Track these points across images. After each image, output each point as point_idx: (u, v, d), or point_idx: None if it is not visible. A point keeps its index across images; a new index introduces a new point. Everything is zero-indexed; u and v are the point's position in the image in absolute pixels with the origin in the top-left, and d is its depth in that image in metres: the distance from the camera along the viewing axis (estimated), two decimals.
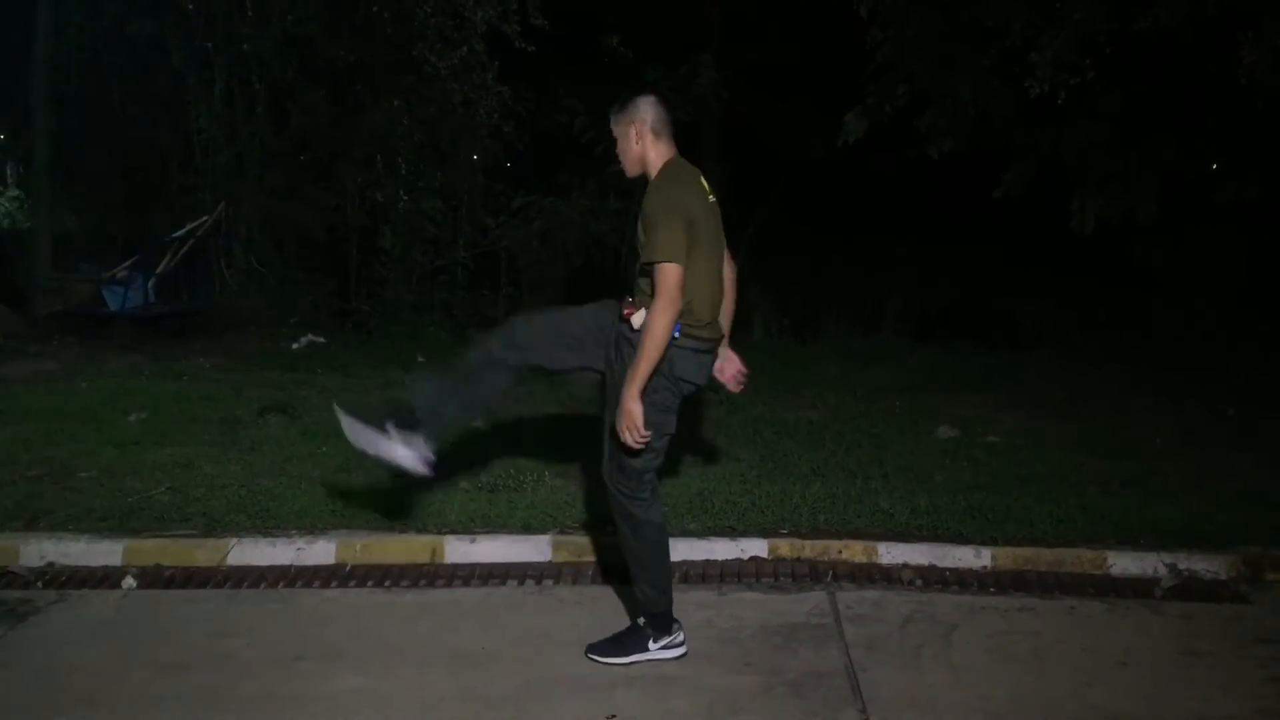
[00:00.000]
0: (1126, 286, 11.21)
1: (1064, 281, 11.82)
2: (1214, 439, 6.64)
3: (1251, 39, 8.36)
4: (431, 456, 4.02)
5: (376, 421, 4.00)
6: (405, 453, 3.98)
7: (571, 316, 4.02)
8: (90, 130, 12.54)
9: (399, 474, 4.13)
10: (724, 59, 12.50)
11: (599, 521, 4.92)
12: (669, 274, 3.54)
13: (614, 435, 3.71)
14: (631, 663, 3.85)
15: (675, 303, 3.56)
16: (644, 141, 3.76)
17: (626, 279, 3.91)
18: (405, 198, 11.28)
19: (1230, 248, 10.72)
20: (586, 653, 3.90)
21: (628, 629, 3.96)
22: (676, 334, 3.64)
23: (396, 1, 11.26)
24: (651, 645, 3.87)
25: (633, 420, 3.57)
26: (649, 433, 3.61)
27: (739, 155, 14.72)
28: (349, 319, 11.30)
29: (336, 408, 4.10)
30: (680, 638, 3.91)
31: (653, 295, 3.58)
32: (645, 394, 3.61)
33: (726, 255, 3.96)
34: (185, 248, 11.01)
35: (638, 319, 3.67)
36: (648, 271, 3.62)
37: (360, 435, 4.01)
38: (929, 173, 12.05)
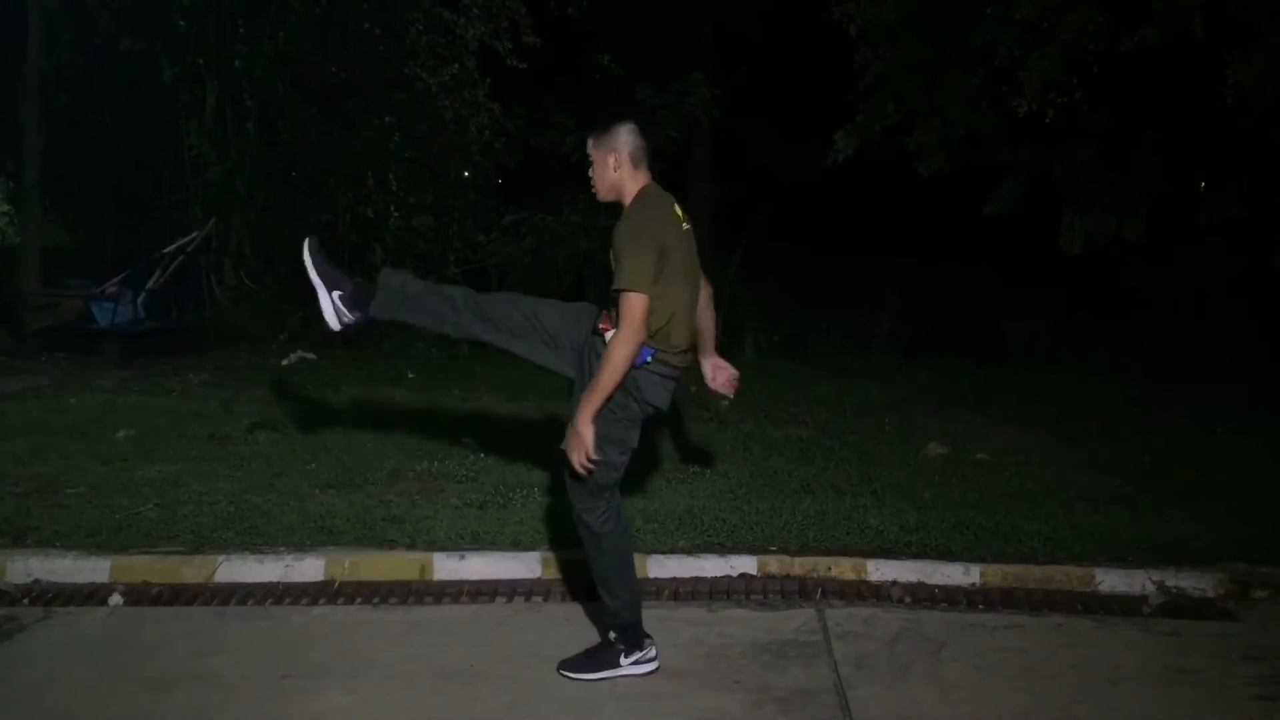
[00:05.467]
0: (1115, 304, 11.26)
1: (1053, 299, 11.86)
2: (1202, 457, 6.66)
3: (1238, 59, 8.44)
4: (351, 327, 4.13)
5: (329, 283, 4.06)
6: (333, 317, 4.08)
7: (550, 310, 4.00)
8: (81, 146, 12.55)
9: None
10: (715, 77, 12.56)
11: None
12: (634, 303, 3.54)
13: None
14: (602, 678, 3.84)
15: (639, 332, 3.56)
16: (622, 170, 3.78)
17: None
18: (396, 214, 11.29)
19: (1217, 266, 10.78)
20: (559, 668, 3.90)
21: (599, 645, 3.96)
22: (649, 358, 3.65)
23: (388, 19, 11.30)
24: (623, 660, 3.87)
25: (583, 443, 3.58)
26: (598, 457, 3.61)
27: (730, 173, 14.77)
28: (339, 335, 11.27)
29: (306, 245, 4.13)
30: (652, 653, 3.91)
31: (616, 323, 3.59)
32: (604, 413, 3.63)
33: (702, 276, 3.99)
34: (175, 264, 11.01)
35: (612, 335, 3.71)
36: (614, 298, 3.63)
37: (313, 277, 4.08)
38: (918, 191, 12.10)
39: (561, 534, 5.08)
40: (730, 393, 4.21)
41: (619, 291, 3.58)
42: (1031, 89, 9.25)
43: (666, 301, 3.63)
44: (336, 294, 4.05)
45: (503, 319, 3.97)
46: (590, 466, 3.60)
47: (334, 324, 4.10)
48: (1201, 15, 8.32)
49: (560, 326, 3.93)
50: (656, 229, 3.67)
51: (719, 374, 4.16)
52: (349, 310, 4.06)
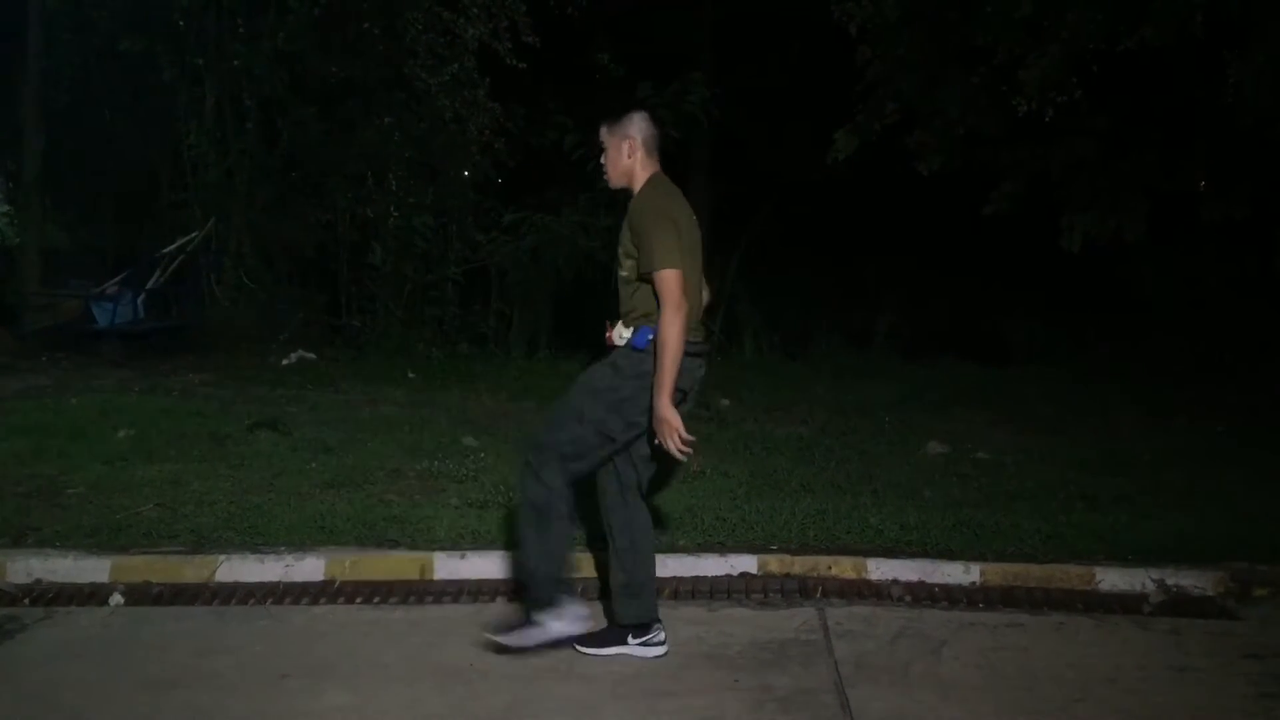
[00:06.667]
0: (1115, 303, 11.26)
1: (1053, 298, 11.88)
2: (1202, 456, 6.66)
3: (1238, 58, 8.44)
4: (583, 610, 4.02)
5: (523, 620, 3.98)
6: (560, 626, 3.94)
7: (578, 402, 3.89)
8: (80, 146, 12.54)
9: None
10: (715, 76, 12.56)
11: (589, 537, 4.91)
12: (670, 279, 3.66)
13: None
14: (613, 654, 3.95)
15: (682, 306, 3.66)
16: (635, 157, 3.90)
17: (614, 294, 3.97)
18: (396, 214, 11.28)
19: (1217, 265, 10.78)
20: (574, 644, 3.99)
21: (609, 624, 4.08)
22: (651, 336, 3.72)
23: (388, 18, 11.30)
24: (630, 640, 3.96)
25: (671, 427, 3.65)
26: (691, 437, 3.70)
27: (729, 172, 14.77)
28: (339, 335, 11.31)
29: (493, 639, 4.00)
30: (660, 636, 3.98)
31: (659, 304, 3.68)
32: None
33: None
34: (175, 264, 11.02)
35: (616, 334, 3.82)
36: (647, 279, 3.72)
37: (523, 640, 3.96)
38: (918, 190, 12.10)
39: None
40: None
41: (651, 272, 3.67)
42: (1031, 88, 9.25)
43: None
44: (534, 612, 3.94)
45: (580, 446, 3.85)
46: (688, 450, 3.69)
47: (578, 628, 3.97)
48: (1201, 14, 8.32)
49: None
50: (672, 210, 3.82)
51: None
52: (554, 606, 3.93)
